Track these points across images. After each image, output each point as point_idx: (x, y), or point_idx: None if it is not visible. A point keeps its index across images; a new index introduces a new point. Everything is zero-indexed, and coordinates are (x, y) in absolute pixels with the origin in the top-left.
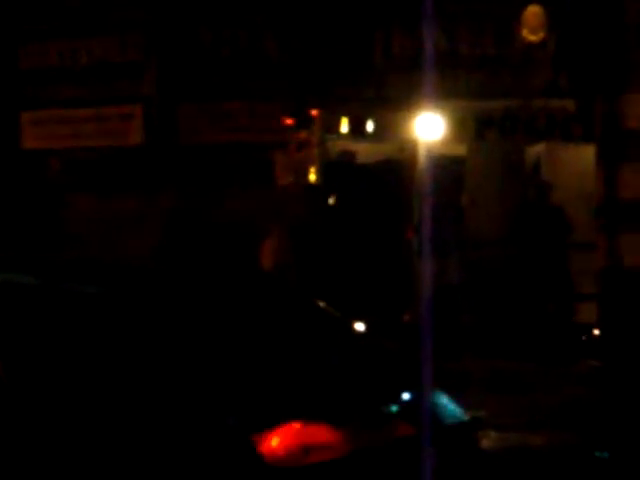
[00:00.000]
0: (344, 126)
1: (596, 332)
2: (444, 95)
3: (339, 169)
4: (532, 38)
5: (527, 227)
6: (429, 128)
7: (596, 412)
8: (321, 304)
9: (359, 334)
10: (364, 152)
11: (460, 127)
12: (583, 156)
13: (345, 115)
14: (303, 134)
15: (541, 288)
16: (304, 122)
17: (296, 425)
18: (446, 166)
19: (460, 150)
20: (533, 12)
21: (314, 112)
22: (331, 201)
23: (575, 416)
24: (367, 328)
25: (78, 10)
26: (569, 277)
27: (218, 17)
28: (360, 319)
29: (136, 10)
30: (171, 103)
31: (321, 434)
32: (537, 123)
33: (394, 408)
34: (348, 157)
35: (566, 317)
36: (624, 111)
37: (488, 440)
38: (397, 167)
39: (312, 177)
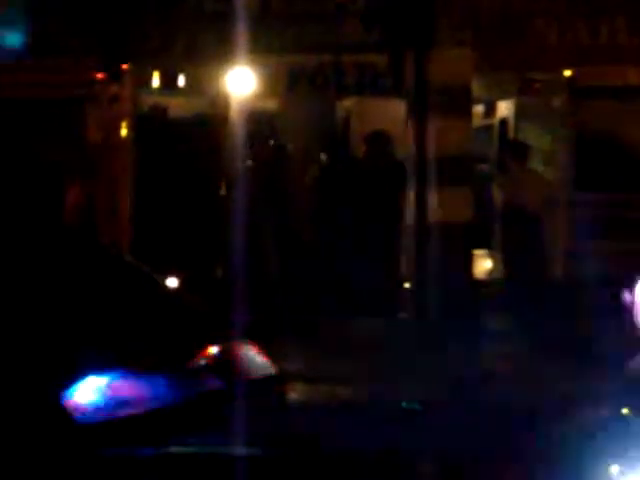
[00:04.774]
0: (155, 80)
1: (407, 285)
2: (256, 49)
3: (151, 124)
4: None
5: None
6: (241, 83)
7: (402, 364)
8: (128, 258)
9: (168, 289)
10: (176, 107)
11: (272, 82)
12: (393, 111)
13: (156, 69)
14: (114, 88)
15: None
16: (115, 76)
17: (102, 380)
18: (257, 121)
19: (272, 105)
20: None
21: (125, 66)
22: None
23: (385, 368)
24: (179, 283)
25: None
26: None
27: None
28: (173, 274)
29: None
30: None
31: (129, 389)
32: (347, 78)
33: (202, 362)
34: (159, 112)
35: (391, 271)
36: (433, 66)
37: (296, 393)
38: (209, 122)
39: (123, 132)
